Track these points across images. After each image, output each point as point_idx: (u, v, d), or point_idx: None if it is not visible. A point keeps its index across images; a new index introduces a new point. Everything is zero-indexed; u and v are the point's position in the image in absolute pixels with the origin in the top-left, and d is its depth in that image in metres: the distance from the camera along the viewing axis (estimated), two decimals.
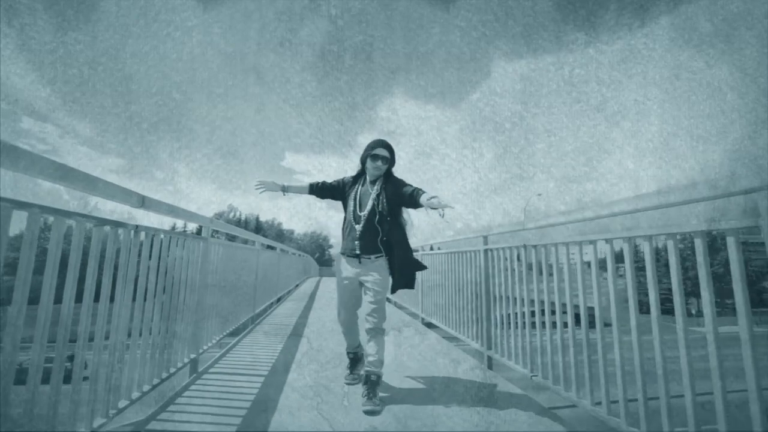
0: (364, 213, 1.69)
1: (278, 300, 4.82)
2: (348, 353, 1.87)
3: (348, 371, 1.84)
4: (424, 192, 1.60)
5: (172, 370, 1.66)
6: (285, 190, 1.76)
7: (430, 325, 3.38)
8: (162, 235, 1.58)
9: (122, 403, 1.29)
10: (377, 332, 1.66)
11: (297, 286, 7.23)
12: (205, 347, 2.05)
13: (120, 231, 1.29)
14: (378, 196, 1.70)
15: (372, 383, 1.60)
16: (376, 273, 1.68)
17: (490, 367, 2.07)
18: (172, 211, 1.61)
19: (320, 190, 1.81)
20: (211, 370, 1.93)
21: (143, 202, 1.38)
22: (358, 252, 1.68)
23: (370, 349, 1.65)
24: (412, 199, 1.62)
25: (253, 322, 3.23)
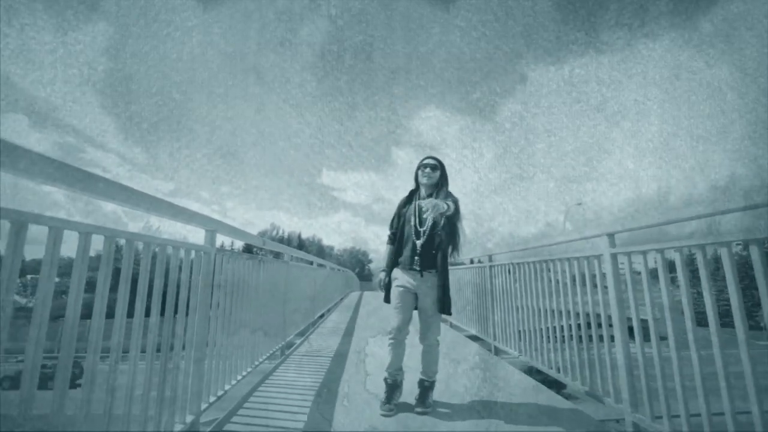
0: (424, 228, 1.71)
1: (328, 311, 5.66)
2: (386, 378, 1.71)
3: (383, 400, 1.65)
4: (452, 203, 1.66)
5: (275, 348, 2.47)
6: (386, 270, 1.80)
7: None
8: (270, 260, 2.39)
9: (257, 361, 2.16)
10: (434, 346, 1.71)
11: (341, 299, 7.93)
12: (289, 337, 2.88)
13: (251, 260, 2.09)
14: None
15: (425, 389, 1.69)
16: (432, 288, 1.70)
17: (496, 353, 2.75)
18: (275, 245, 2.42)
19: (396, 238, 1.82)
20: (297, 352, 2.78)
21: (264, 242, 2.19)
22: (418, 267, 1.69)
23: (427, 359, 1.71)
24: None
25: (313, 326, 4.10)
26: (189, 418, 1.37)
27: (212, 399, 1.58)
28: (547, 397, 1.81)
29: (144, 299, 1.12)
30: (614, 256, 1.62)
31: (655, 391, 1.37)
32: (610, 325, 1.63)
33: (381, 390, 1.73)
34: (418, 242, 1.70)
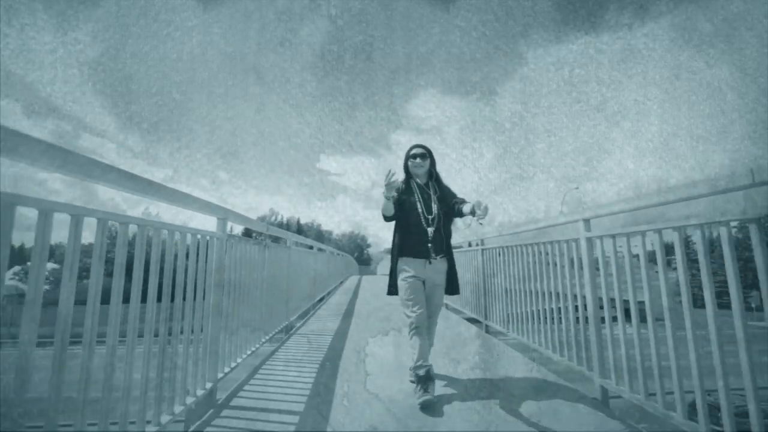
0: (433, 216, 1.74)
1: (328, 293, 5.84)
2: (418, 369, 1.61)
3: (421, 391, 1.55)
4: (464, 203, 1.70)
5: (278, 328, 2.68)
6: (391, 198, 1.69)
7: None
8: (272, 245, 2.57)
9: (263, 339, 2.35)
10: (435, 325, 1.83)
11: (341, 283, 8.04)
12: (291, 318, 3.07)
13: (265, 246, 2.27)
14: (439, 200, 1.78)
15: None
16: (441, 273, 1.77)
17: (487, 332, 2.99)
18: (277, 230, 2.59)
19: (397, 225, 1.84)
20: (298, 332, 2.97)
21: (268, 228, 2.37)
22: (433, 254, 1.73)
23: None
24: (456, 212, 1.73)
25: (314, 308, 4.31)
26: (208, 385, 1.55)
27: (227, 369, 1.76)
28: (539, 373, 1.98)
29: (170, 286, 1.28)
30: (589, 240, 1.79)
31: (620, 366, 1.54)
32: (585, 307, 1.80)
33: (380, 387, 1.74)
34: (430, 229, 1.73)
